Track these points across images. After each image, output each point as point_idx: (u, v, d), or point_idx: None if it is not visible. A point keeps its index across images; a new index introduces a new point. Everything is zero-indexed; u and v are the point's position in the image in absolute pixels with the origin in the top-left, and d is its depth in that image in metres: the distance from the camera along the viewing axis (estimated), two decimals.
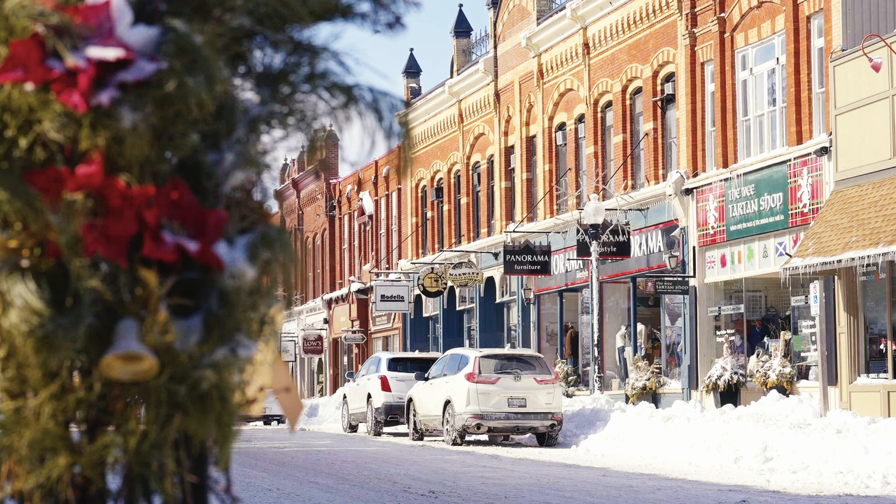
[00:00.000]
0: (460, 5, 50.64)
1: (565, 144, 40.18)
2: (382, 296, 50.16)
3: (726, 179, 31.04)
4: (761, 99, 30.50)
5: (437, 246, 50.39)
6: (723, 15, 31.56)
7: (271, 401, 3.34)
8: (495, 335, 44.69)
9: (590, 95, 38.08)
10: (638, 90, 35.79)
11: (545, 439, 29.42)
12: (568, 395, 34.94)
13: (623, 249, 34.63)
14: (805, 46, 28.75)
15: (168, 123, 2.78)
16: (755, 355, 30.08)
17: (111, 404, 2.80)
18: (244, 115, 2.93)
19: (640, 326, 35.52)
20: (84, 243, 2.71)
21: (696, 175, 32.46)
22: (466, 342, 46.92)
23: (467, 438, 30.53)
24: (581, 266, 37.46)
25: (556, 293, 40.21)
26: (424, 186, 52.28)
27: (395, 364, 36.06)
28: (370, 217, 58.62)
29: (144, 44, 2.75)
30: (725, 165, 31.18)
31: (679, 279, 32.23)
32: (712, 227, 31.67)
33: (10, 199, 2.71)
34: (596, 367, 34.39)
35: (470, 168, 47.74)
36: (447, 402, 29.81)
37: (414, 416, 32.32)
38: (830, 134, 27.27)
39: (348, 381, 41.82)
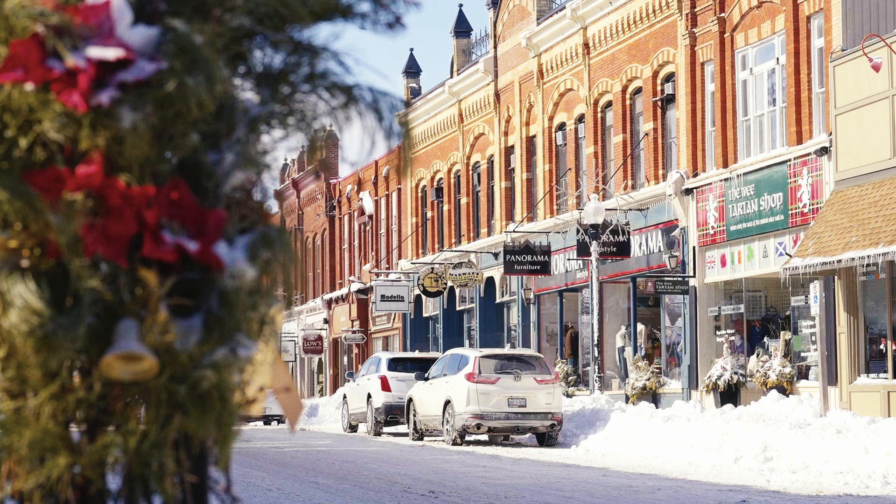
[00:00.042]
0: (460, 5, 50.66)
1: (565, 144, 40.18)
2: (382, 296, 50.16)
3: (726, 179, 31.04)
4: (761, 99, 30.50)
5: (437, 246, 50.39)
6: (723, 15, 31.56)
7: (271, 401, 3.34)
8: (495, 335, 44.69)
9: (590, 95, 38.08)
10: (638, 90, 35.80)
11: (545, 439, 29.42)
12: (568, 395, 34.94)
13: (623, 249, 34.63)
14: (805, 46, 28.75)
15: (168, 123, 2.78)
16: (755, 355, 30.08)
17: (111, 404, 2.80)
18: (244, 115, 2.93)
19: (640, 326, 35.52)
20: (84, 243, 2.71)
21: (696, 175, 32.46)
22: (466, 342, 46.92)
23: (467, 438, 30.53)
24: (581, 266, 37.47)
25: (556, 293, 40.21)
26: (424, 186, 52.29)
27: (395, 364, 36.06)
28: (370, 217, 58.62)
29: (144, 44, 2.75)
30: (725, 165, 31.18)
31: (679, 279, 32.23)
32: (712, 227, 31.67)
33: (10, 199, 2.71)
34: (596, 367, 34.39)
35: (470, 168, 47.75)
36: (447, 402, 29.81)
37: (414, 416, 32.32)
38: (830, 134, 27.27)
39: (348, 381, 41.83)
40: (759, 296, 31.64)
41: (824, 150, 27.54)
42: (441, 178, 50.23)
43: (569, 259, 37.95)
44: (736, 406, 28.04)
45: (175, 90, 2.73)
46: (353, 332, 58.94)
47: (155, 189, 2.76)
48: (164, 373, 2.75)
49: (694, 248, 32.38)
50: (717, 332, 32.08)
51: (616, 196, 35.44)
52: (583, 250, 34.11)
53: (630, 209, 34.76)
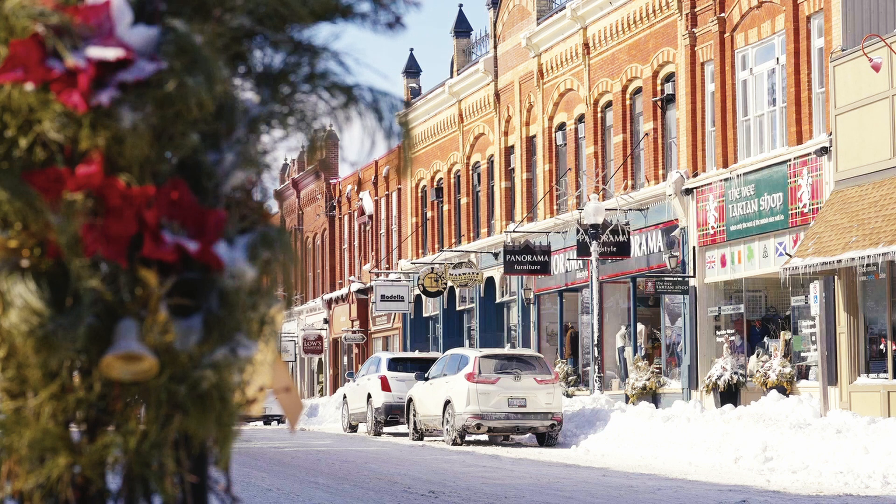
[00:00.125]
0: (460, 5, 50.66)
1: (565, 144, 40.18)
2: (382, 296, 50.16)
3: (726, 179, 31.04)
4: (761, 99, 30.50)
5: (437, 246, 50.39)
6: (723, 15, 31.56)
7: (271, 401, 3.34)
8: (495, 335, 44.69)
9: (590, 95, 38.08)
10: (638, 90, 35.80)
11: (545, 439, 29.42)
12: (568, 395, 34.94)
13: (623, 249, 34.63)
14: (805, 46, 28.75)
15: (168, 123, 2.78)
16: (755, 355, 30.08)
17: (111, 404, 2.80)
18: (244, 115, 2.93)
19: (640, 326, 35.52)
20: (84, 243, 2.71)
21: (696, 175, 32.46)
22: (466, 342, 46.92)
23: (467, 438, 30.53)
24: (581, 266, 37.47)
25: (556, 293, 40.21)
26: (424, 186, 52.29)
27: (395, 364, 36.06)
28: (370, 217, 58.62)
29: (144, 44, 2.75)
30: (725, 165, 31.18)
31: (679, 279, 32.23)
32: (712, 227, 31.67)
33: (10, 199, 2.71)
34: (596, 367, 34.39)
35: (470, 168, 47.75)
36: (447, 402, 29.81)
37: (414, 416, 32.32)
38: (830, 134, 27.27)
39: (348, 381, 41.83)
40: (759, 296, 31.64)
41: (824, 150, 27.54)
42: (441, 178, 50.23)
43: (569, 259, 37.95)
44: (736, 406, 28.04)
45: (175, 90, 2.73)
46: (353, 332, 58.94)
47: (155, 189, 2.76)
48: (164, 373, 2.75)
49: (694, 248, 32.38)
50: (717, 332, 32.08)
51: (616, 196, 35.44)
52: (583, 250, 34.11)
53: (630, 209, 34.76)
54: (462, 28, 49.89)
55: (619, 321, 37.24)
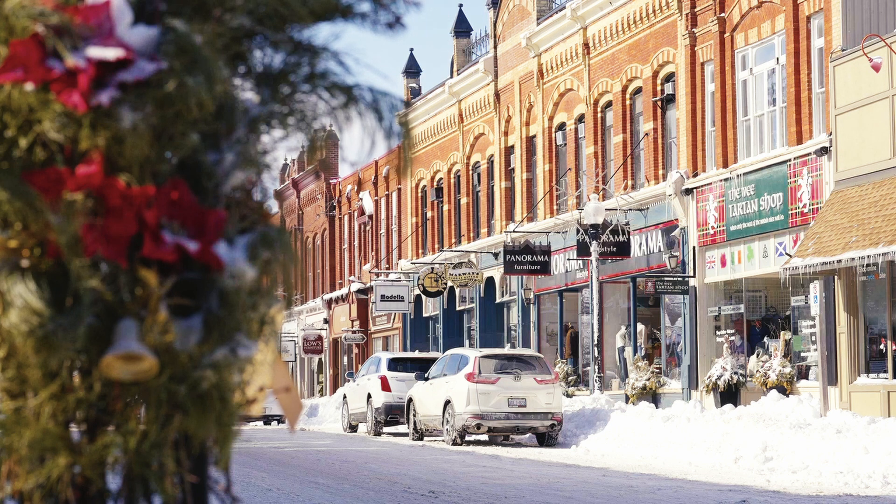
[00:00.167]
0: (460, 5, 50.66)
1: (565, 144, 40.18)
2: (382, 296, 50.16)
3: (726, 179, 31.04)
4: (761, 99, 30.50)
5: (437, 246, 50.39)
6: (723, 15, 31.56)
7: (271, 401, 3.34)
8: (495, 335, 44.69)
9: (590, 95, 38.08)
10: (638, 90, 35.79)
11: (545, 439, 29.42)
12: (568, 395, 34.94)
13: (623, 249, 34.63)
14: (805, 46, 28.75)
15: (168, 123, 2.78)
16: (755, 355, 30.08)
17: (111, 404, 2.80)
18: (244, 115, 2.93)
19: (640, 326, 35.52)
20: (84, 243, 2.71)
21: (696, 175, 32.46)
22: (466, 342, 46.92)
23: (467, 438, 30.53)
24: (581, 266, 37.46)
25: (556, 293, 40.21)
26: (424, 186, 52.28)
27: (395, 364, 36.06)
28: (370, 217, 58.62)
29: (144, 44, 2.75)
30: (725, 165, 31.18)
31: (679, 279, 32.23)
32: (712, 227, 31.67)
33: (10, 199, 2.70)
34: (596, 367, 34.39)
35: (470, 168, 47.75)
36: (447, 402, 29.81)
37: (414, 416, 32.32)
38: (830, 134, 27.27)
39: (348, 381, 41.82)
40: (759, 296, 31.64)
41: (824, 150, 27.54)
42: (441, 178, 50.23)
43: (569, 259, 37.94)
44: (736, 406, 28.04)
45: (175, 90, 2.73)
46: (353, 332, 58.94)
47: (155, 189, 2.76)
48: (164, 373, 2.75)
49: (694, 248, 32.38)
50: (717, 332, 32.08)
51: (616, 196, 35.44)
52: (583, 250, 34.11)
53: (630, 209, 34.76)
54: (462, 28, 49.89)
55: (619, 321, 37.24)
